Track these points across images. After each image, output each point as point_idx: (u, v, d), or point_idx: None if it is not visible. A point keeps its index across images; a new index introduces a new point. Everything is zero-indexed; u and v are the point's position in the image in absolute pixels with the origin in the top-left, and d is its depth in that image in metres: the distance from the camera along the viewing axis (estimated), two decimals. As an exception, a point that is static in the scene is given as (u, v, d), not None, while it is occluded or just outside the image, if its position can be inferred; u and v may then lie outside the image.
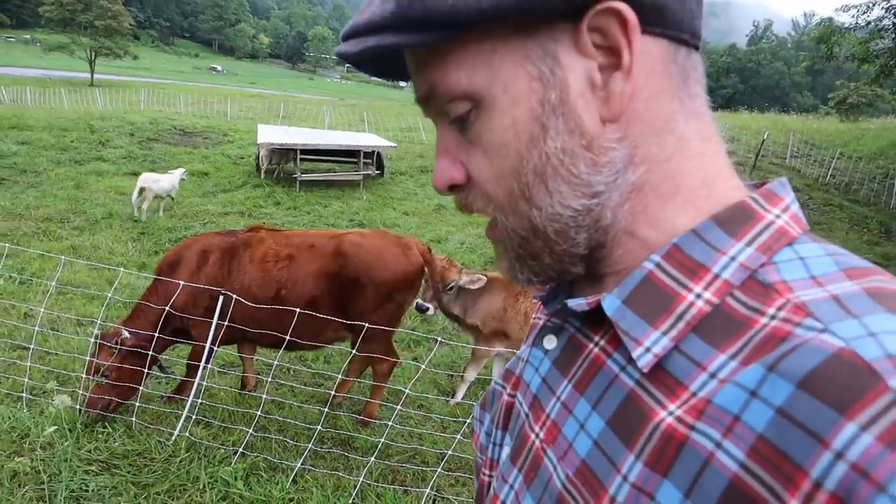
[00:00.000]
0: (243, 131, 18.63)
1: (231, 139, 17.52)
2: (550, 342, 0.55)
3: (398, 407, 3.54)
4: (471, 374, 4.58)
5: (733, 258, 0.44)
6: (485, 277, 4.33)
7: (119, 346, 3.34)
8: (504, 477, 0.57)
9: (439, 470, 3.30)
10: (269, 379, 3.89)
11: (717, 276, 0.44)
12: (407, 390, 3.62)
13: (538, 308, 0.65)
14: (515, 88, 0.46)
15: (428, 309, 4.17)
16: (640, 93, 0.45)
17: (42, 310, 4.13)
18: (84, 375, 3.45)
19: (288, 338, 3.56)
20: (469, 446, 3.82)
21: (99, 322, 3.83)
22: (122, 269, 4.45)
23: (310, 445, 3.34)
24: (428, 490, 3.25)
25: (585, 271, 0.52)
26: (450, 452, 3.35)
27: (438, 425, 4.18)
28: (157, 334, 3.38)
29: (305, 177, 12.42)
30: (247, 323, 3.66)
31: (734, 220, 0.45)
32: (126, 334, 3.36)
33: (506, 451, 0.58)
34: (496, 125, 0.47)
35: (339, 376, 3.90)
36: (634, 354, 0.44)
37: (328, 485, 3.25)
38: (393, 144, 14.29)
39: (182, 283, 3.30)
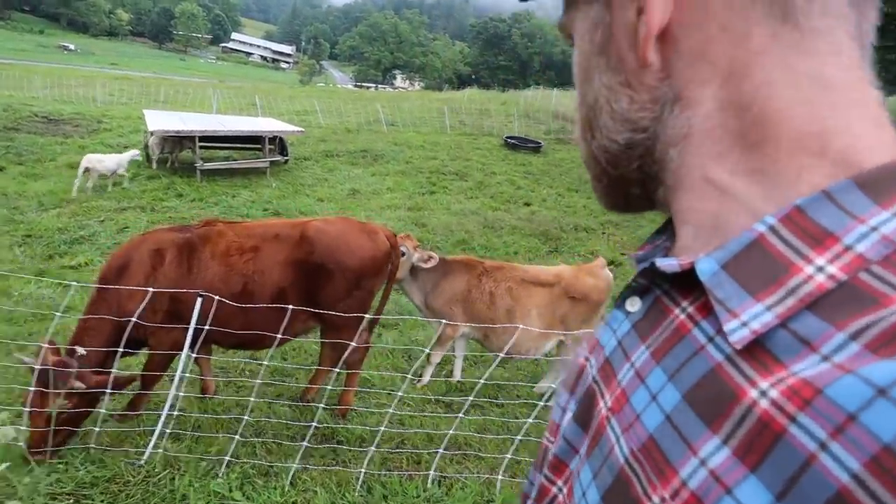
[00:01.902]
0: (120, 118, 16.87)
1: (108, 127, 15.80)
2: (633, 304, 0.51)
3: (370, 392, 3.49)
4: (436, 357, 4.61)
5: (874, 228, 0.37)
6: (437, 257, 4.35)
7: (77, 369, 2.95)
8: (567, 439, 0.54)
9: (441, 450, 3.32)
10: (227, 380, 3.65)
11: (848, 248, 0.37)
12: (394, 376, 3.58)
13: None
14: (582, 30, 0.52)
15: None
16: (690, 32, 0.44)
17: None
18: (27, 408, 2.96)
19: (258, 333, 3.37)
20: (452, 423, 3.88)
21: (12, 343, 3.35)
22: (7, 272, 3.92)
23: (304, 444, 3.20)
24: (432, 472, 3.26)
25: (654, 207, 0.54)
26: (451, 431, 3.37)
27: (416, 407, 4.17)
28: (120, 349, 3.02)
29: (208, 166, 11.55)
30: (211, 323, 3.40)
31: (883, 183, 0.38)
32: (82, 352, 2.98)
33: (568, 415, 0.55)
34: (574, 60, 0.54)
35: (316, 368, 3.76)
36: (727, 327, 0.39)
37: (330, 482, 3.16)
38: (300, 129, 13.72)
39: (150, 290, 2.97)
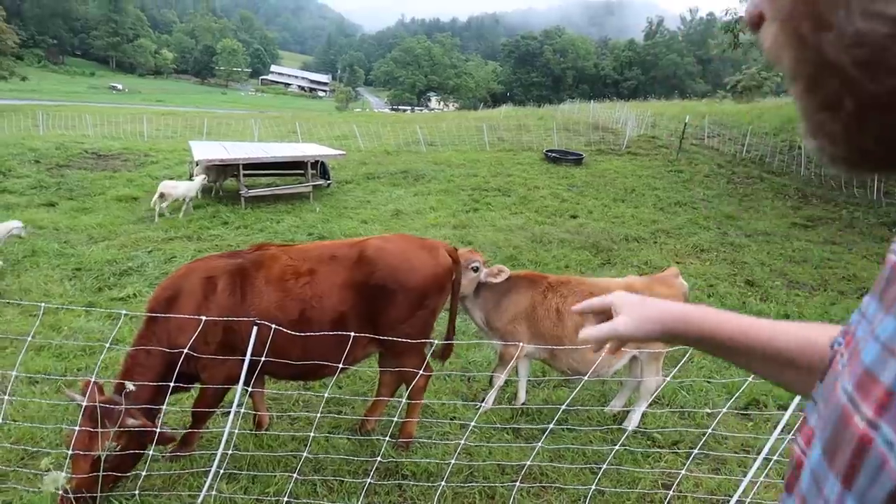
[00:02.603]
0: (166, 150, 17.37)
1: (154, 160, 16.27)
2: None
3: (432, 421, 3.20)
4: (499, 379, 4.29)
5: None
6: (507, 270, 4.07)
7: (127, 406, 2.77)
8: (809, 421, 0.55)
9: (518, 483, 2.99)
10: (280, 413, 3.43)
11: None
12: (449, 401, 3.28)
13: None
14: None
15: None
16: None
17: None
18: (71, 450, 2.77)
19: (318, 363, 3.14)
20: (524, 452, 3.54)
21: (61, 378, 3.21)
22: (58, 306, 3.81)
23: (368, 480, 2.93)
24: (511, 508, 2.94)
25: None
26: (528, 462, 3.04)
27: (481, 435, 3.85)
28: (171, 384, 2.83)
29: (252, 192, 11.64)
30: (268, 353, 3.20)
31: None
32: (131, 387, 2.81)
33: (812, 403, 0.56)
34: None
35: (373, 398, 3.50)
36: None
37: (399, 523, 2.87)
38: (341, 152, 13.77)
39: (203, 318, 2.77)
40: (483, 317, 4.22)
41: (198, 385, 3.40)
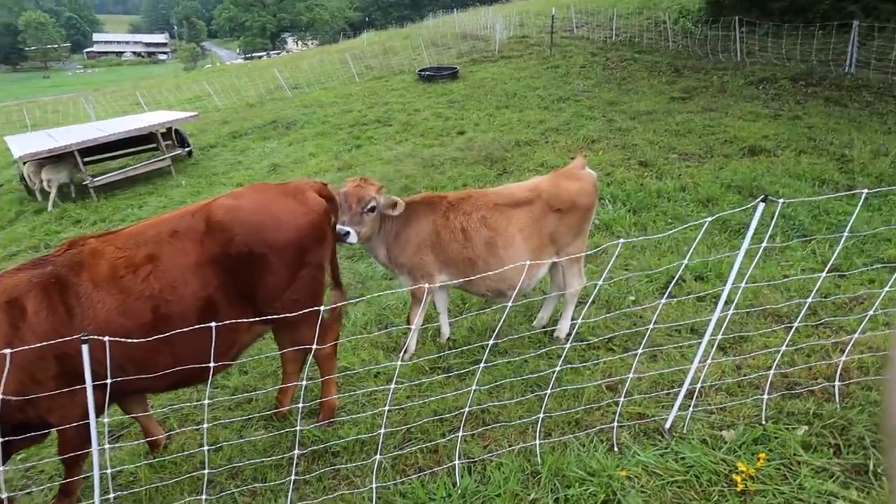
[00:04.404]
0: (-14, 155, 14.74)
1: (-27, 169, 13.77)
2: None
3: (354, 380, 2.78)
4: (418, 319, 3.90)
5: None
6: (402, 201, 3.58)
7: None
8: None
9: (460, 433, 2.66)
10: (183, 423, 2.86)
11: None
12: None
13: None
14: None
15: (348, 234, 3.35)
16: None
17: None
18: None
19: (194, 367, 2.56)
20: (461, 395, 3.22)
21: None
22: None
23: (292, 477, 2.47)
24: (457, 462, 2.61)
25: None
26: (467, 409, 2.70)
27: (409, 388, 3.48)
28: (5, 439, 2.14)
29: (100, 180, 10.08)
30: (128, 369, 2.55)
31: None
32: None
33: None
34: None
35: (280, 385, 2.99)
36: None
37: (337, 516, 2.46)
38: (192, 114, 12.22)
39: (8, 352, 2.06)
40: (386, 254, 3.76)
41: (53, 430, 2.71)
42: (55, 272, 2.49)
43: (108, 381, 2.20)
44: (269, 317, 2.66)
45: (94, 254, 2.56)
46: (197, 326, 2.41)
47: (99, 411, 2.41)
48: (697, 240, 3.32)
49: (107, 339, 2.07)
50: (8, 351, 2.07)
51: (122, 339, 2.24)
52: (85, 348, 2.01)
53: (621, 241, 2.48)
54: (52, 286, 2.46)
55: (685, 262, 2.79)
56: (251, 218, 2.69)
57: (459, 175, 8.39)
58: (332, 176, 9.34)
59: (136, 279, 2.54)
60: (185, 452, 3.14)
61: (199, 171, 11.21)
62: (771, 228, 5.04)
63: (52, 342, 2.29)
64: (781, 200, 2.61)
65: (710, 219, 2.61)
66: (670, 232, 3.96)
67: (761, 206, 2.41)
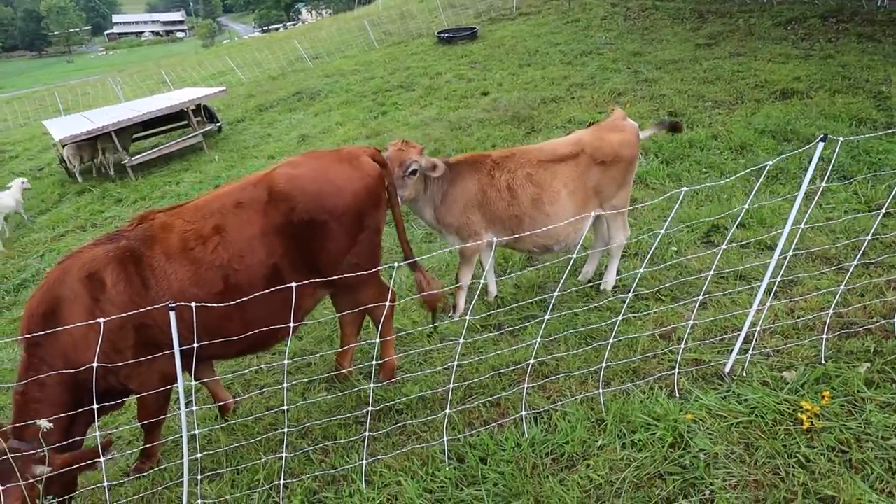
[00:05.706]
0: (24, 141, 15.19)
1: (13, 154, 14.20)
2: None
3: (407, 342, 2.88)
4: (466, 278, 3.97)
5: None
6: (441, 163, 3.61)
7: (43, 449, 2.27)
8: None
9: (526, 385, 2.75)
10: (245, 389, 3.01)
11: None
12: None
13: None
14: None
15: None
16: None
17: None
18: None
19: (265, 330, 2.68)
20: (517, 351, 3.30)
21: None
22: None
23: (366, 433, 2.61)
24: (523, 412, 2.71)
25: None
26: (531, 361, 2.77)
27: (465, 346, 3.58)
28: (95, 405, 2.31)
29: (137, 159, 10.32)
30: (202, 336, 2.69)
31: None
32: (46, 425, 2.27)
33: None
34: None
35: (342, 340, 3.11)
36: None
37: (411, 465, 2.59)
38: (221, 89, 12.32)
39: (102, 321, 2.20)
40: (433, 214, 3.81)
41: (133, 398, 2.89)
42: (129, 246, 2.61)
43: (195, 345, 2.32)
44: (336, 276, 2.76)
45: (164, 227, 2.67)
46: (276, 288, 2.52)
47: (176, 378, 2.57)
48: (759, 182, 3.22)
49: (193, 304, 2.18)
50: (102, 320, 2.21)
51: (207, 304, 2.36)
52: (172, 315, 2.12)
53: (684, 189, 2.46)
54: (128, 259, 2.59)
55: (745, 206, 2.77)
56: (311, 186, 2.77)
57: (487, 136, 8.33)
58: (360, 143, 9.37)
59: (206, 250, 2.65)
60: (254, 416, 3.31)
61: (230, 145, 11.35)
62: (811, 171, 4.93)
63: (138, 311, 2.43)
64: (841, 139, 2.55)
65: (771, 162, 2.58)
66: (732, 178, 3.93)
67: (820, 145, 2.36)
